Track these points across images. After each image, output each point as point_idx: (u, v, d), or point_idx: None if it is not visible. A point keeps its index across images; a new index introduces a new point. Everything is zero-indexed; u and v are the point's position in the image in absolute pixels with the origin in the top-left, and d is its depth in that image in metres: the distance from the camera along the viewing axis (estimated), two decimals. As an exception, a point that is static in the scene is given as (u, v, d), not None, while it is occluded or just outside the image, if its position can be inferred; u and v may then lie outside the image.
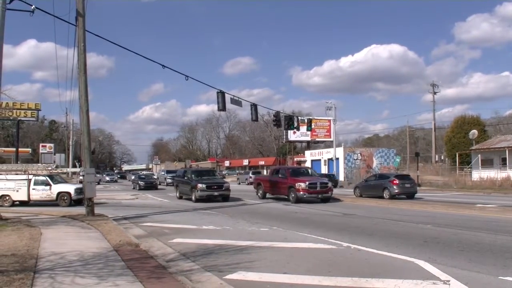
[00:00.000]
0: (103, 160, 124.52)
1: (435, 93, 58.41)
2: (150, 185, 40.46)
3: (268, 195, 25.57)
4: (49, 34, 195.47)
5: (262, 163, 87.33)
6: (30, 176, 22.16)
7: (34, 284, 6.15)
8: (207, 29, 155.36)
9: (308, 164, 59.58)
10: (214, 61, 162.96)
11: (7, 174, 22.55)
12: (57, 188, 21.87)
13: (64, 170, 42.16)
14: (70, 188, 22.04)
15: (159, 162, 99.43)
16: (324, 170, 51.88)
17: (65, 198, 21.53)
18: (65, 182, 23.96)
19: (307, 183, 21.93)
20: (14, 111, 46.85)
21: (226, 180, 25.95)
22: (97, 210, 16.27)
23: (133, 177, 67.38)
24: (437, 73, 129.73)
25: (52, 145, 61.15)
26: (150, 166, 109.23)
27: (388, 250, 9.08)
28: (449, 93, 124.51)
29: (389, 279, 6.74)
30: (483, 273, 7.16)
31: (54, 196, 21.70)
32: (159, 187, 41.89)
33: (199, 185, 23.05)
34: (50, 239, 10.30)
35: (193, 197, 23.41)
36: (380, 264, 7.97)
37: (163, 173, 51.11)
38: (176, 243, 10.40)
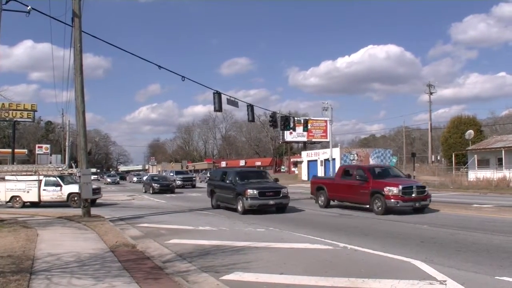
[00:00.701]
0: (100, 161, 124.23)
1: (431, 93, 58.72)
2: (166, 188, 34.64)
3: (333, 203, 20.20)
4: (45, 34, 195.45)
5: (258, 163, 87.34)
6: (41, 177, 22.09)
7: (31, 286, 6.13)
8: (204, 29, 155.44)
9: (304, 165, 59.55)
10: (211, 61, 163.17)
11: (17, 175, 22.49)
12: (68, 189, 21.74)
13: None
14: None
15: (155, 163, 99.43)
16: (320, 170, 51.89)
17: (76, 199, 21.31)
18: (76, 182, 23.97)
19: (401, 187, 16.46)
20: (10, 112, 46.63)
21: (281, 184, 20.35)
22: (93, 211, 16.26)
23: (133, 179, 65.71)
24: (433, 73, 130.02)
25: (48, 146, 60.82)
26: (147, 167, 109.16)
27: (384, 251, 9.10)
28: (446, 93, 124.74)
29: (386, 279, 6.75)
30: (480, 273, 7.18)
31: (65, 197, 21.62)
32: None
33: (249, 191, 17.41)
34: (47, 240, 10.28)
35: (239, 207, 17.86)
36: (377, 264, 7.99)
37: (171, 174, 46.44)
38: (172, 244, 10.39)
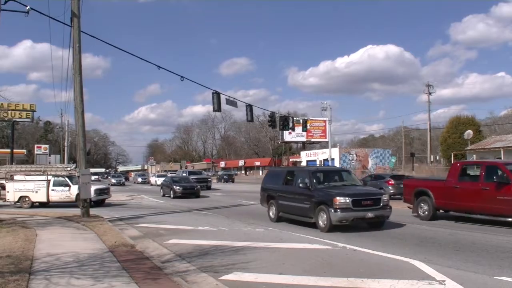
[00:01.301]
0: (99, 161, 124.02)
1: (430, 93, 58.67)
2: (190, 192, 28.83)
3: (440, 213, 14.82)
4: (44, 35, 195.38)
5: (257, 163, 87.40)
6: (49, 177, 21.98)
7: (29, 286, 6.12)
8: (203, 29, 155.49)
9: (303, 165, 59.51)
10: (210, 61, 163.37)
11: (26, 175, 22.41)
12: (77, 188, 21.52)
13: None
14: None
15: (154, 163, 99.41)
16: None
17: None
18: None
19: None
20: (9, 112, 46.63)
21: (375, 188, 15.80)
22: (92, 211, 16.22)
23: (137, 179, 61.16)
24: (433, 73, 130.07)
25: (47, 146, 60.69)
26: (146, 167, 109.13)
27: (383, 251, 9.10)
28: (445, 93, 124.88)
29: (385, 279, 6.76)
30: (479, 273, 7.19)
31: (74, 197, 21.26)
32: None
33: (340, 199, 12.04)
34: (45, 241, 10.26)
35: (320, 222, 12.45)
36: (376, 264, 7.99)
37: (184, 174, 41.25)
38: (171, 244, 10.39)
